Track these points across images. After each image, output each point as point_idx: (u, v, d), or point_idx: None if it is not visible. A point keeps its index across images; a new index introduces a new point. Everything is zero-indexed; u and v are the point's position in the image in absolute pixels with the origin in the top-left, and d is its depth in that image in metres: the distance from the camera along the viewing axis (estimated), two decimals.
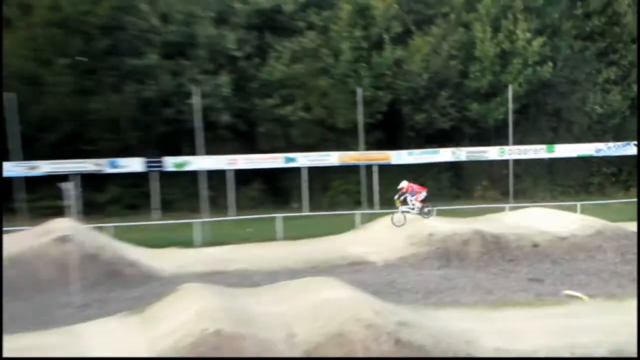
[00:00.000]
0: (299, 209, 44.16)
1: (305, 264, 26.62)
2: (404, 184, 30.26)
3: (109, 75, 44.81)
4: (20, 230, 32.60)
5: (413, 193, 28.69)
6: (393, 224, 29.36)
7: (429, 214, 29.49)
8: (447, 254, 27.71)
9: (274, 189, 46.55)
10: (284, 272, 25.15)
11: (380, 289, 22.11)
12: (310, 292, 18.92)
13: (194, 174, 44.06)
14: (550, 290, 23.34)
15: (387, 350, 16.16)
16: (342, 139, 47.11)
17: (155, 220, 40.47)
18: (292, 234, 32.14)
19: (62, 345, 18.47)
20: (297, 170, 45.94)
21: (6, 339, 18.93)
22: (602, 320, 19.05)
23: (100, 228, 31.19)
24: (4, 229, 34.45)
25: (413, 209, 29.37)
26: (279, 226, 34.39)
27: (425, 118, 48.15)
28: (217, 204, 43.84)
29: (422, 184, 30.31)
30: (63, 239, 25.08)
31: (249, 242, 31.54)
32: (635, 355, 16.03)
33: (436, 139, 48.86)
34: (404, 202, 28.76)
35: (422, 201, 28.74)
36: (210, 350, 15.92)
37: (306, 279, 21.16)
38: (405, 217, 28.98)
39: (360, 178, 46.63)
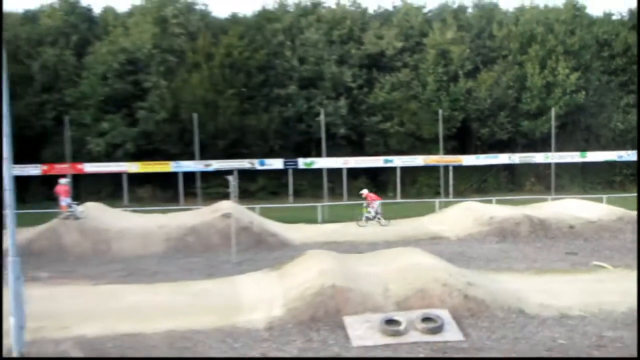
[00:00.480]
0: (394, 197, 43.66)
1: (397, 238, 26.18)
2: (364, 191, 29.76)
3: (261, 101, 45.49)
4: (197, 208, 33.52)
5: (372, 203, 28.64)
6: (358, 225, 29.55)
7: (383, 223, 29.42)
8: (503, 232, 26.76)
9: (376, 182, 46.16)
10: (382, 243, 24.79)
11: (453, 257, 21.45)
12: (400, 258, 18.56)
13: (318, 171, 44.26)
14: (582, 261, 22.24)
15: (457, 302, 15.64)
16: (426, 146, 46.44)
17: (290, 204, 40.81)
18: (388, 216, 31.60)
19: (224, 289, 18.75)
20: (393, 168, 45.54)
21: (187, 284, 19.47)
22: (622, 284, 17.96)
23: (251, 208, 31.57)
24: (189, 207, 35.72)
25: (370, 214, 29.41)
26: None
27: (488, 131, 47.06)
28: (334, 193, 43.94)
29: (377, 194, 31.13)
30: (226, 215, 25.49)
31: (356, 220, 31.20)
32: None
33: (496, 147, 47.70)
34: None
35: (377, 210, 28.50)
36: (327, 298, 15.80)
37: (398, 248, 20.94)
38: (366, 220, 29.07)
39: (439, 175, 45.80)
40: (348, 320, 15.11)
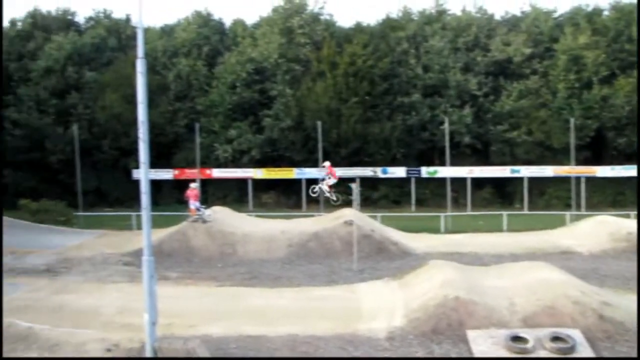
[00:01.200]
0: (521, 208, 42.02)
1: (524, 251, 25.06)
2: (326, 163, 27.36)
3: (385, 109, 45.19)
4: (319, 215, 33.90)
5: (329, 176, 26.15)
6: (311, 192, 27.72)
7: (335, 200, 26.83)
8: None
9: (501, 192, 44.61)
10: (507, 256, 23.91)
11: (586, 274, 20.26)
12: (528, 273, 17.85)
13: (441, 180, 43.33)
14: None
15: (591, 323, 14.76)
16: (556, 156, 44.27)
17: (412, 212, 40.33)
18: (515, 227, 30.52)
19: (345, 296, 18.82)
20: (519, 179, 43.76)
21: (309, 290, 19.70)
22: None
23: (373, 216, 31.48)
24: (311, 213, 36.18)
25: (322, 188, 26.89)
26: (504, 221, 32.91)
27: (626, 141, 43.97)
28: (458, 203, 42.87)
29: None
30: (348, 223, 25.51)
31: (480, 232, 30.28)
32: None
33: (634, 157, 44.54)
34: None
35: (331, 186, 25.98)
36: (450, 310, 15.52)
37: (525, 262, 20.09)
38: (320, 190, 26.64)
39: (570, 186, 43.46)
40: (471, 334, 14.67)
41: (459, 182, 43.34)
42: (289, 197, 44.33)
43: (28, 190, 40.09)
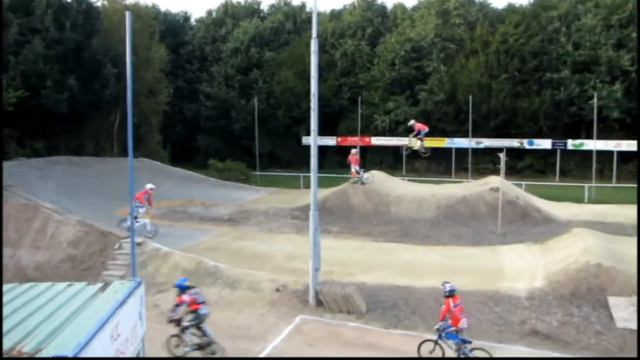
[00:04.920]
0: None
1: None
2: (411, 122, 23.15)
3: (533, 84, 42.49)
4: (467, 182, 32.96)
5: (420, 132, 22.33)
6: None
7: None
8: None
9: None
10: None
11: None
12: None
13: (587, 152, 39.96)
14: None
15: None
16: None
17: (556, 182, 37.90)
18: None
19: (488, 257, 18.25)
20: None
21: (455, 249, 19.33)
22: None
23: (518, 184, 30.01)
24: (460, 180, 35.23)
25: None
26: None
27: None
28: (603, 175, 39.43)
29: None
30: (494, 189, 24.64)
31: (625, 203, 27.70)
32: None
33: None
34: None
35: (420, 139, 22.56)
36: (591, 276, 14.53)
37: None
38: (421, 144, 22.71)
39: None
40: (613, 300, 13.64)
41: (604, 155, 39.84)
42: (439, 164, 43.42)
43: (216, 153, 43.09)
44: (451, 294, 11.27)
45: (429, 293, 14.58)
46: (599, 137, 39.41)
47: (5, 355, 5.68)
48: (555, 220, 23.68)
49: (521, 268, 16.60)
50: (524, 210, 24.30)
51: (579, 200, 29.82)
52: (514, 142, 41.85)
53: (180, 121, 48.41)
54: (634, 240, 17.85)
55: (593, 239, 17.41)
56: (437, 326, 11.41)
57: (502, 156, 24.17)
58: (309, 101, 14.35)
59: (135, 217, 18.17)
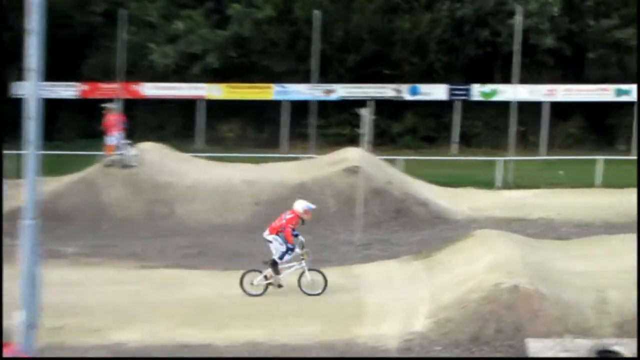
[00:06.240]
0: (627, 152, 41.64)
1: (628, 218, 24.69)
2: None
3: None
4: (308, 157, 33.60)
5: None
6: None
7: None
8: None
9: (597, 126, 44.32)
10: (599, 226, 23.81)
11: None
12: (632, 251, 17.55)
13: (502, 106, 42.73)
14: None
15: None
16: None
17: (453, 156, 40.11)
18: (615, 181, 30.23)
19: (339, 284, 18.68)
20: (629, 105, 43.31)
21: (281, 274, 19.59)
22: None
23: (391, 161, 31.17)
24: (296, 155, 36.01)
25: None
26: (599, 170, 32.68)
27: None
28: (525, 142, 42.59)
29: None
30: (351, 170, 25.25)
31: (559, 187, 30.00)
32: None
33: None
34: None
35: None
36: (503, 308, 15.31)
37: (628, 235, 19.69)
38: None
39: None
40: (534, 345, 14.54)
41: (530, 109, 42.95)
42: (261, 130, 44.05)
43: None
44: None
45: (241, 354, 14.63)
46: (523, 80, 42.19)
47: None
48: (449, 219, 25.01)
49: (393, 301, 17.21)
50: (401, 203, 25.31)
51: (487, 184, 31.83)
52: (387, 90, 43.77)
53: None
54: (571, 246, 19.35)
55: (507, 246, 18.47)
56: None
57: (366, 114, 24.86)
58: (20, 19, 13.46)
59: None
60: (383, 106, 41.01)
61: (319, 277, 17.73)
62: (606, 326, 14.99)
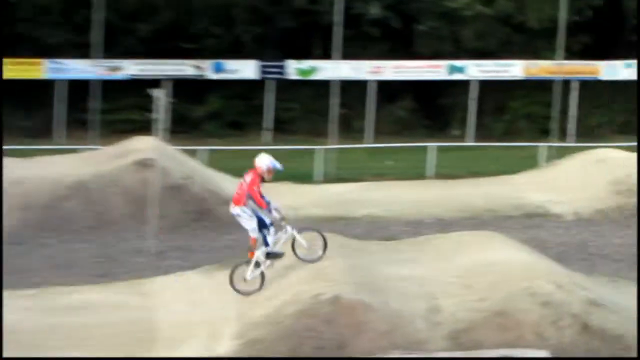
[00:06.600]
0: (462, 138, 43.16)
1: (462, 213, 25.90)
2: None
3: None
4: (89, 149, 33.15)
5: None
6: None
7: None
8: None
9: (430, 108, 45.71)
10: (432, 223, 24.63)
11: (567, 253, 21.40)
12: (466, 252, 18.33)
13: (323, 85, 43.50)
14: None
15: (568, 338, 15.31)
16: (531, 43, 45.84)
17: (265, 145, 40.44)
18: (449, 171, 31.35)
19: (127, 303, 18.54)
20: (464, 84, 44.93)
21: (56, 294, 19.26)
22: None
23: (191, 152, 31.20)
24: (74, 147, 35.48)
25: None
26: (432, 159, 33.84)
27: None
28: (350, 127, 43.50)
29: None
30: (143, 164, 25.15)
31: (387, 178, 30.79)
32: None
33: None
34: None
35: None
36: (322, 322, 15.51)
37: (461, 233, 20.62)
38: None
39: (552, 98, 44.85)
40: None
41: (353, 89, 43.73)
42: (30, 115, 43.14)
43: None
44: None
45: None
46: (347, 56, 42.93)
47: None
48: None
49: (192, 321, 17.20)
50: (203, 203, 25.45)
51: (305, 177, 32.45)
52: (187, 68, 43.89)
53: None
54: (400, 247, 19.87)
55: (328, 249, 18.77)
56: None
57: (161, 95, 24.77)
58: None
59: None
60: (182, 86, 41.01)
61: (313, 236, 17.81)
62: (438, 338, 15.52)
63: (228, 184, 27.90)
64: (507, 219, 25.32)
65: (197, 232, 23.90)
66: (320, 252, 17.45)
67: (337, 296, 15.83)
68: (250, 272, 17.39)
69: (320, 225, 22.35)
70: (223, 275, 19.48)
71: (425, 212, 25.96)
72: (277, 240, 17.81)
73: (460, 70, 44.71)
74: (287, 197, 28.17)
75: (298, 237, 17.63)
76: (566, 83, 44.70)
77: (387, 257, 19.00)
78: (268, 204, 17.81)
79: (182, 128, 39.51)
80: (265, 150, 36.70)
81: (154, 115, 24.77)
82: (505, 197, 28.24)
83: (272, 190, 28.68)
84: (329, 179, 32.47)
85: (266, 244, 17.49)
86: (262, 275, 17.41)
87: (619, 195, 27.24)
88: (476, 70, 44.78)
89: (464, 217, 25.11)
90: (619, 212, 26.58)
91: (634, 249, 22.81)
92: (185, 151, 30.14)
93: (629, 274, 20.39)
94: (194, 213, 24.77)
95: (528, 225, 24.89)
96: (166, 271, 20.61)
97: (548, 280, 16.55)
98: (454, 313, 15.86)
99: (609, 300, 16.68)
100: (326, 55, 44.05)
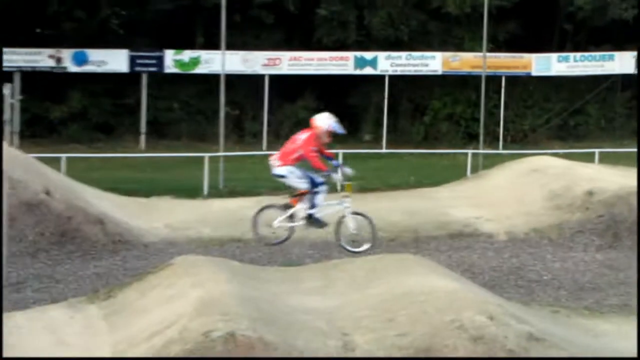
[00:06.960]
0: (373, 143, 43.52)
1: (381, 232, 25.89)
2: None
3: None
4: None
5: None
6: None
7: None
8: (614, 227, 26.83)
9: (336, 109, 45.52)
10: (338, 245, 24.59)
11: (500, 279, 21.79)
12: (382, 279, 18.44)
13: (207, 80, 43.64)
14: None
15: None
16: (451, 32, 46.44)
17: (140, 152, 40.37)
18: (360, 183, 31.52)
19: None
20: (374, 80, 45.28)
21: None
22: None
23: (51, 160, 30.92)
24: None
25: None
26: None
27: (592, 1, 46.90)
28: (241, 130, 43.74)
29: None
30: None
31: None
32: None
33: (610, 36, 47.75)
34: None
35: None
36: None
37: (377, 257, 20.55)
38: None
39: (477, 95, 45.56)
40: None
41: (244, 85, 43.92)
42: None
43: None
44: None
45: None
46: (236, 46, 43.05)
47: None
48: (136, 242, 25.11)
49: None
50: (66, 222, 25.08)
51: (191, 190, 32.55)
52: (42, 58, 43.71)
53: None
54: (304, 274, 19.96)
55: (220, 278, 18.74)
56: None
57: (8, 92, 24.68)
58: None
59: None
60: (36, 81, 40.70)
61: (364, 225, 18.82)
62: None
63: (96, 200, 27.83)
64: (430, 240, 25.49)
65: (60, 258, 23.58)
66: (366, 245, 17.77)
67: (232, 333, 15.79)
68: (281, 219, 18.06)
69: (209, 250, 22.48)
70: (94, 310, 19.37)
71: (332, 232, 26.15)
72: (326, 207, 18.83)
73: (369, 63, 45.08)
74: (169, 213, 28.27)
75: (349, 217, 18.76)
76: (493, 79, 45.37)
77: (289, 286, 19.05)
78: (331, 164, 18.13)
79: (37, 131, 39.24)
80: (140, 159, 37.12)
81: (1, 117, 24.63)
82: (427, 214, 28.40)
83: (152, 206, 28.90)
84: (219, 193, 32.44)
85: (313, 205, 17.64)
86: (292, 230, 18.65)
87: (558, 211, 27.60)
88: (388, 63, 45.17)
89: (386, 236, 25.30)
90: (559, 231, 26.88)
91: (577, 275, 23.32)
92: (43, 159, 29.82)
93: (572, 303, 20.86)
94: (55, 235, 24.47)
95: (454, 247, 25.05)
96: (21, 306, 20.31)
97: (479, 311, 16.73)
98: (370, 351, 15.93)
99: (551, 333, 16.98)
100: (211, 44, 44.04)
